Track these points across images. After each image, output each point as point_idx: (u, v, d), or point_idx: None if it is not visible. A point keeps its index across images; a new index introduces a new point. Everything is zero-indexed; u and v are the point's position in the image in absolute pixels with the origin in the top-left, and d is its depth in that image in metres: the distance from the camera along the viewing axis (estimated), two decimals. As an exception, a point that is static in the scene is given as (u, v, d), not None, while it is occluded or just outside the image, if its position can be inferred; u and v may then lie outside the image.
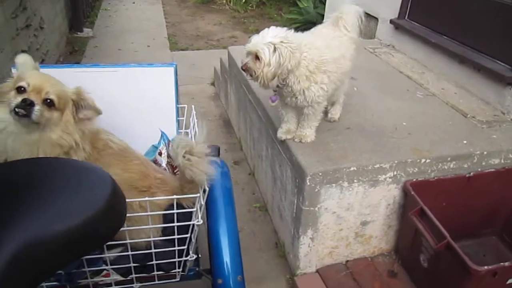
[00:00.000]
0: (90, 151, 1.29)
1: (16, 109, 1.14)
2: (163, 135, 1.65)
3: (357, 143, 2.18)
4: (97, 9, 7.05)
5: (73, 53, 5.27)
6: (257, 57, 1.75)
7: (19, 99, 1.15)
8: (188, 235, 1.30)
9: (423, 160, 2.11)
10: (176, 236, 1.30)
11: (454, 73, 2.93)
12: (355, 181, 2.06)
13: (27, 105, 1.15)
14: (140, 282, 1.39)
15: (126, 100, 1.62)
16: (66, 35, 5.63)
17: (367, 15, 4.08)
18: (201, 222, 1.27)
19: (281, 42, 1.72)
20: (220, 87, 4.21)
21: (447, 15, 3.04)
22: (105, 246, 1.24)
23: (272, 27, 1.81)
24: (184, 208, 1.32)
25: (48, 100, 1.20)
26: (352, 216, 2.17)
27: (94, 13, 6.84)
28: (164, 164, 1.59)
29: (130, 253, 1.28)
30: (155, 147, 1.66)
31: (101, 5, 7.31)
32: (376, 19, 3.92)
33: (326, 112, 2.34)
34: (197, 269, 1.53)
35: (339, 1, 4.68)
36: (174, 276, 1.42)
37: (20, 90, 1.19)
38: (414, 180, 2.13)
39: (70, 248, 0.79)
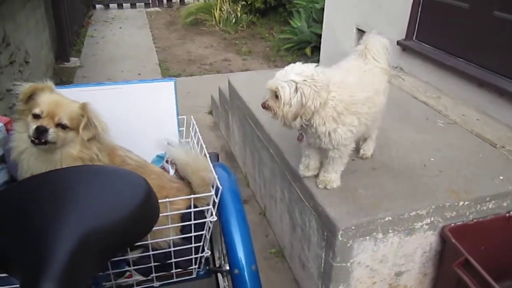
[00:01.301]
0: (108, 163, 1.39)
1: (33, 138, 1.27)
2: (169, 144, 1.71)
3: (387, 187, 1.98)
4: (83, 36, 6.83)
5: (61, 85, 5.02)
6: (277, 96, 1.62)
7: (33, 126, 1.27)
8: (204, 232, 1.43)
9: (461, 203, 1.92)
10: (193, 234, 1.42)
11: (473, 98, 2.77)
12: (390, 231, 1.86)
13: (41, 132, 1.27)
14: (160, 281, 1.50)
15: (131, 115, 1.73)
16: (53, 66, 5.40)
17: (370, 35, 3.93)
18: (215, 218, 1.39)
19: (305, 80, 1.58)
20: (220, 117, 4.00)
21: (461, 35, 2.88)
22: (128, 248, 1.33)
23: (298, 63, 1.67)
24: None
25: (61, 124, 1.30)
26: (386, 268, 1.96)
27: (80, 41, 6.62)
28: (172, 171, 1.67)
29: (151, 253, 1.38)
30: (160, 157, 1.76)
31: (87, 32, 7.10)
32: (380, 40, 3.76)
33: (357, 149, 2.17)
34: (208, 267, 1.63)
35: (336, 19, 4.54)
36: (190, 273, 1.55)
37: (35, 116, 1.29)
38: (452, 225, 1.94)
39: (119, 238, 0.89)
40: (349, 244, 1.80)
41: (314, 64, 1.70)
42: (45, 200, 0.90)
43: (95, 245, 0.83)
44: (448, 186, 1.99)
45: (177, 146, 1.54)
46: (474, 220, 1.97)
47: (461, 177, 2.05)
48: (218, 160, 1.82)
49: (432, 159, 2.20)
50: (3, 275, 1.04)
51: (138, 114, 1.75)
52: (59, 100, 1.35)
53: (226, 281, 1.84)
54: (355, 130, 1.75)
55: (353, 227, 1.77)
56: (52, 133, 1.28)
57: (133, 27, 7.55)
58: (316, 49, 5.55)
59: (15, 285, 1.13)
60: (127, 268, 1.41)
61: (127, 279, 1.45)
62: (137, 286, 1.47)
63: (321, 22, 5.09)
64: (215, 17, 7.30)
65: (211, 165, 1.49)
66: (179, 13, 8.29)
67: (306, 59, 5.76)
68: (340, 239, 1.77)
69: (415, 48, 3.23)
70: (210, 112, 4.38)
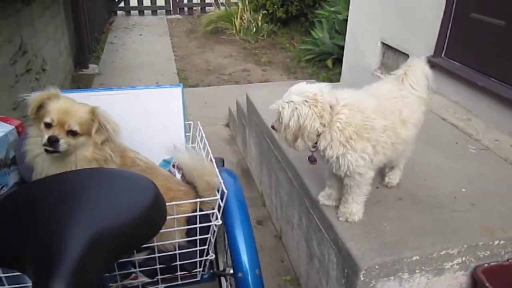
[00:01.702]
0: (120, 164, 1.43)
1: (45, 147, 1.30)
2: (176, 149, 1.76)
3: (414, 221, 1.82)
4: (103, 43, 6.81)
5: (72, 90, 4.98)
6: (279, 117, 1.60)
7: (46, 137, 1.30)
8: (209, 235, 1.44)
9: (496, 242, 1.75)
10: (198, 237, 1.43)
11: (506, 121, 2.58)
12: (417, 271, 1.70)
13: (53, 142, 1.30)
14: (165, 283, 1.51)
15: (138, 120, 1.75)
16: (71, 73, 5.36)
17: (395, 50, 3.78)
18: (220, 222, 1.41)
19: (305, 101, 1.52)
20: (237, 130, 3.88)
21: (494, 54, 2.71)
22: (134, 250, 1.33)
23: (302, 83, 1.62)
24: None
25: (72, 131, 1.33)
26: (411, 310, 1.80)
27: (100, 47, 6.59)
28: (178, 175, 1.68)
29: (157, 255, 1.39)
30: (166, 162, 1.78)
31: (107, 39, 7.08)
32: (406, 55, 3.59)
33: (382, 175, 2.03)
34: (211, 271, 1.64)
35: (360, 31, 4.40)
36: (195, 276, 1.56)
37: (46, 125, 1.32)
38: (486, 265, 1.77)
39: (127, 240, 0.91)
40: (371, 284, 1.65)
41: (325, 84, 1.62)
42: (57, 201, 0.93)
43: (105, 246, 0.85)
44: (482, 223, 1.82)
45: (184, 151, 1.55)
46: (510, 261, 1.80)
47: (497, 213, 1.88)
48: (223, 165, 1.86)
49: (463, 190, 2.03)
50: (16, 273, 1.10)
51: (145, 119, 1.78)
52: (68, 106, 1.37)
53: (229, 285, 1.83)
54: (369, 158, 1.61)
55: (376, 267, 1.62)
56: (63, 143, 1.31)
57: (153, 35, 7.51)
58: (338, 61, 5.40)
59: (27, 284, 1.19)
60: (133, 270, 1.43)
61: (132, 281, 1.46)
62: (142, 287, 1.49)
63: (344, 34, 4.95)
64: (235, 26, 7.21)
65: (216, 170, 1.50)
66: (200, 21, 8.23)
67: (327, 71, 5.62)
68: (362, 279, 1.62)
69: (444, 65, 3.06)
70: (227, 125, 4.27)
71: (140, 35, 7.47)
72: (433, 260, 1.69)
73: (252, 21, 7.15)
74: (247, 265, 1.46)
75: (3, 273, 1.15)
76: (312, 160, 1.76)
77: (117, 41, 7.01)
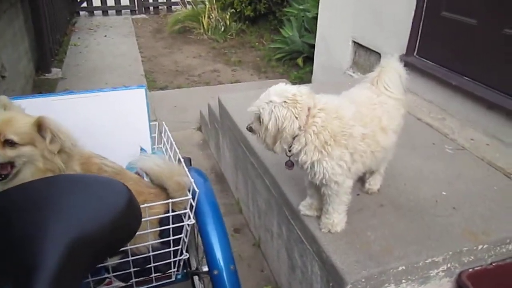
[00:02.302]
0: (80, 172, 1.37)
1: None
2: (142, 150, 1.79)
3: (398, 229, 1.78)
4: (65, 45, 6.55)
5: (30, 95, 4.75)
6: (260, 118, 1.53)
7: None
8: (182, 235, 1.45)
9: (479, 247, 1.73)
10: (171, 238, 1.43)
11: (481, 120, 2.59)
12: (403, 281, 1.66)
13: None
14: (139, 286, 1.50)
15: (102, 123, 1.75)
16: (33, 78, 5.12)
17: (367, 49, 3.75)
18: (193, 221, 1.43)
19: (284, 102, 1.47)
20: (209, 135, 3.78)
21: (467, 53, 2.70)
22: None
23: (281, 84, 1.56)
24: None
25: (9, 141, 1.25)
26: (397, 319, 1.76)
27: (63, 50, 6.33)
28: (145, 177, 1.65)
29: (130, 258, 1.38)
30: (133, 164, 1.74)
31: (70, 41, 6.81)
32: (378, 54, 3.58)
33: (362, 181, 1.97)
34: (185, 270, 1.65)
35: (330, 29, 4.36)
36: (169, 277, 1.57)
37: None
38: (470, 270, 1.75)
39: (104, 245, 0.88)
40: (358, 298, 1.60)
41: (304, 85, 1.55)
42: (27, 211, 0.89)
43: (82, 253, 0.83)
44: (465, 227, 1.80)
45: (144, 158, 1.56)
46: (493, 264, 1.79)
47: (478, 216, 1.86)
48: (191, 165, 1.85)
49: (444, 193, 2.01)
50: None
51: (110, 121, 1.77)
52: (8, 117, 1.30)
53: (202, 283, 1.85)
54: (347, 166, 1.56)
55: (363, 280, 1.57)
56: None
57: (118, 35, 7.28)
58: (309, 60, 5.36)
59: None
60: (106, 275, 1.41)
61: (106, 286, 1.45)
62: None
63: (314, 32, 4.91)
64: (203, 25, 7.07)
65: (186, 170, 1.51)
66: (166, 20, 8.03)
67: (298, 69, 5.58)
68: (348, 293, 1.57)
69: (416, 64, 3.05)
70: (199, 129, 4.16)
71: (105, 36, 7.22)
72: (419, 269, 1.65)
73: (220, 20, 7.03)
74: (221, 262, 1.47)
75: None
76: (289, 165, 1.68)
77: (81, 43, 6.75)
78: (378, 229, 1.78)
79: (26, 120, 1.31)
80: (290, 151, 1.57)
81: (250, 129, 1.60)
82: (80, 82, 5.18)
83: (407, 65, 3.08)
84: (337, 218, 1.73)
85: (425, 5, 3.01)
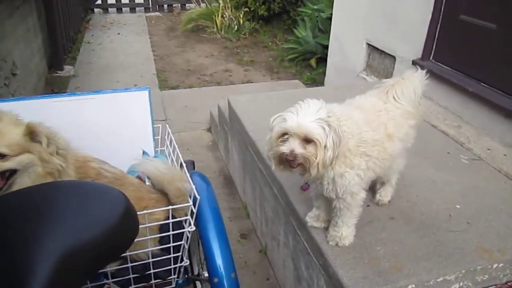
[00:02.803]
0: (78, 177, 1.34)
1: None
2: (144, 153, 1.75)
3: (408, 244, 1.71)
4: (79, 43, 6.56)
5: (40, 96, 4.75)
6: (307, 140, 1.33)
7: None
8: (183, 242, 1.43)
9: (494, 265, 1.65)
10: (171, 244, 1.41)
11: (498, 129, 2.49)
12: (412, 299, 1.58)
13: None
14: None
15: (105, 125, 1.72)
16: (45, 76, 5.13)
17: (381, 52, 3.67)
18: (193, 228, 1.40)
19: (329, 117, 1.35)
20: (219, 136, 3.73)
21: (485, 59, 2.61)
22: None
23: (308, 99, 1.39)
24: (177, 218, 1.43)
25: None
26: (406, 339, 1.69)
27: (76, 47, 6.34)
28: (147, 181, 1.63)
29: (130, 264, 1.37)
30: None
31: (83, 38, 6.81)
32: (393, 57, 3.49)
33: (373, 192, 1.92)
34: (186, 276, 1.62)
35: (344, 31, 4.28)
36: (170, 283, 1.54)
37: None
38: (484, 289, 1.67)
39: (100, 254, 0.88)
40: (364, 316, 1.53)
41: (317, 100, 1.41)
42: (20, 220, 0.88)
43: (75, 264, 0.82)
44: (479, 244, 1.72)
45: (147, 162, 1.52)
46: (509, 284, 1.71)
47: (494, 232, 1.78)
48: (194, 168, 1.83)
49: (458, 206, 1.93)
50: None
51: (112, 124, 1.74)
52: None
53: None
54: (363, 175, 1.49)
55: (370, 298, 1.50)
56: None
57: (131, 33, 7.27)
58: (322, 61, 5.28)
59: None
60: (105, 281, 1.39)
61: None
62: None
63: (328, 33, 4.82)
64: (216, 24, 7.02)
65: (187, 175, 1.47)
66: (180, 18, 8.00)
67: (311, 70, 5.50)
68: (355, 311, 1.50)
69: (432, 69, 2.95)
70: (209, 130, 4.11)
71: (118, 33, 7.22)
72: (429, 287, 1.58)
73: (234, 19, 6.97)
74: (222, 270, 1.44)
75: None
76: (305, 189, 1.64)
77: (94, 41, 6.76)
78: (388, 244, 1.71)
79: (16, 131, 1.28)
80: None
81: (294, 158, 1.33)
82: (92, 80, 5.18)
83: (422, 69, 3.02)
84: (346, 231, 1.67)
85: (443, 8, 2.92)
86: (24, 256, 0.79)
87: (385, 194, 1.91)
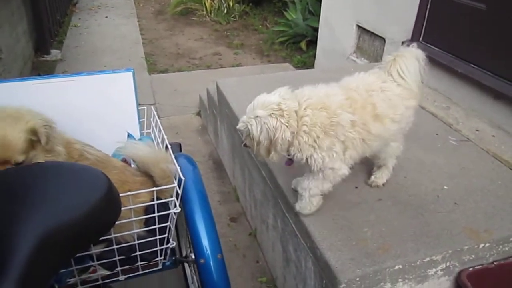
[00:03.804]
0: (65, 156, 1.34)
1: None
2: (129, 136, 1.75)
3: (396, 225, 1.71)
4: (66, 26, 6.43)
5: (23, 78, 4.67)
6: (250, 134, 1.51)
7: None
8: (168, 223, 1.43)
9: (481, 245, 1.66)
10: (157, 226, 1.41)
11: (487, 110, 2.49)
12: (399, 280, 1.59)
13: None
14: (125, 274, 1.48)
15: (88, 107, 1.69)
16: (32, 60, 5.04)
17: (371, 34, 3.64)
18: (179, 210, 1.40)
19: (271, 114, 1.44)
20: (208, 120, 3.70)
21: (475, 40, 2.59)
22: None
23: (263, 95, 1.51)
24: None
25: (19, 164, 1.23)
26: (393, 318, 1.70)
27: (63, 31, 6.22)
28: (133, 164, 1.62)
29: (115, 246, 1.36)
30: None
31: (70, 21, 6.69)
32: (383, 39, 3.46)
33: (369, 174, 1.93)
34: (173, 258, 1.62)
35: (334, 13, 4.23)
36: (156, 265, 1.54)
37: None
38: (471, 269, 1.68)
39: (80, 235, 0.88)
40: (352, 297, 1.53)
41: (285, 88, 1.52)
42: (3, 200, 0.88)
43: (56, 245, 0.82)
44: (466, 224, 1.72)
45: (130, 144, 1.51)
46: (495, 263, 1.72)
47: (481, 212, 1.78)
48: (180, 151, 1.82)
49: (445, 187, 1.93)
50: None
51: (96, 106, 1.71)
52: (4, 139, 1.22)
53: (193, 271, 1.82)
54: (335, 155, 1.52)
55: (357, 279, 1.50)
56: None
57: (119, 16, 7.15)
58: (312, 44, 5.24)
59: None
60: (91, 263, 1.39)
61: (91, 274, 1.43)
62: (102, 280, 1.45)
63: (318, 15, 4.78)
64: (206, 6, 6.92)
65: (172, 156, 1.47)
66: (169, 1, 7.87)
67: (301, 53, 5.46)
68: (342, 292, 1.51)
69: (422, 50, 2.92)
70: (198, 113, 4.08)
71: (106, 17, 7.10)
72: (416, 268, 1.59)
73: (223, 2, 6.88)
74: (208, 251, 1.44)
75: None
76: (288, 163, 1.68)
77: (82, 24, 6.64)
78: (375, 225, 1.70)
79: (21, 134, 1.25)
80: (288, 154, 1.56)
81: (245, 145, 1.57)
82: (79, 64, 5.10)
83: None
84: (305, 200, 1.69)
85: (432, -11, 2.89)
86: (4, 236, 0.79)
87: (379, 176, 1.90)
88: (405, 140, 2.21)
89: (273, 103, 1.45)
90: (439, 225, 1.71)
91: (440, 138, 2.34)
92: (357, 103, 1.53)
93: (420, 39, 3.02)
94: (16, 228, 0.80)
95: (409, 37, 3.08)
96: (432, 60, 2.81)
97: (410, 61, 1.62)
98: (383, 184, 1.91)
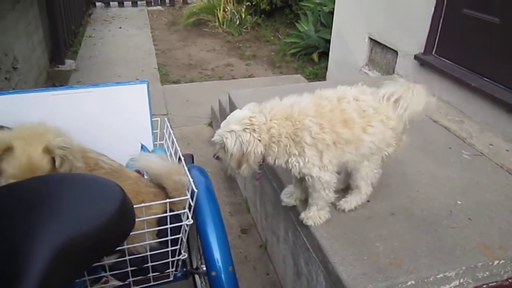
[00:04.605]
0: (85, 167, 1.34)
1: None
2: (143, 147, 1.77)
3: (408, 240, 1.70)
4: (80, 37, 6.53)
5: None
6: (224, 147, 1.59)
7: None
8: (180, 235, 1.44)
9: (495, 262, 1.63)
10: (169, 237, 1.41)
11: (500, 124, 2.47)
12: (412, 296, 1.57)
13: None
14: (137, 285, 1.49)
15: (104, 118, 1.71)
16: (47, 70, 5.11)
17: (384, 46, 3.64)
18: (191, 221, 1.41)
19: (245, 128, 1.52)
20: (220, 131, 3.71)
21: (488, 53, 2.58)
22: None
23: (237, 111, 1.62)
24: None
25: None
26: (405, 335, 1.68)
27: (78, 41, 6.32)
28: (146, 175, 1.62)
29: (128, 257, 1.37)
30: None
31: (85, 32, 6.79)
32: (395, 51, 3.46)
33: (380, 188, 1.93)
34: (184, 269, 1.63)
35: (346, 25, 4.25)
36: (167, 276, 1.55)
37: None
38: (485, 286, 1.66)
39: (96, 247, 0.89)
40: (364, 313, 1.52)
41: (253, 104, 1.62)
42: (16, 213, 0.88)
43: (71, 256, 0.83)
44: (480, 240, 1.70)
45: (142, 157, 1.53)
46: (510, 280, 1.70)
47: (495, 228, 1.76)
48: (193, 162, 1.83)
49: (459, 202, 1.91)
50: None
51: (111, 117, 1.74)
52: (28, 161, 1.23)
53: (203, 282, 1.82)
54: (306, 159, 1.57)
55: (369, 294, 1.49)
56: None
57: (133, 27, 7.24)
58: (324, 55, 5.25)
59: None
60: (103, 274, 1.40)
61: (103, 285, 1.44)
62: None
63: (330, 27, 4.79)
64: (218, 18, 6.99)
65: (185, 168, 1.47)
66: (182, 12, 7.97)
67: (313, 65, 5.47)
68: (354, 307, 1.49)
69: (434, 63, 2.93)
70: (210, 124, 4.10)
71: (120, 27, 7.20)
72: (429, 284, 1.57)
73: (236, 13, 6.93)
74: (220, 263, 1.44)
75: None
76: (257, 178, 1.81)
77: (96, 35, 6.73)
78: (388, 240, 1.69)
79: (41, 157, 1.26)
80: (260, 166, 1.65)
81: (217, 158, 1.63)
82: (93, 75, 5.16)
83: (424, 64, 3.02)
84: (313, 211, 1.75)
85: (445, 2, 2.89)
86: (21, 246, 0.79)
87: (349, 200, 1.84)
88: (417, 154, 2.21)
89: (245, 117, 1.53)
90: (452, 241, 1.70)
91: (453, 152, 2.32)
92: (324, 108, 1.58)
93: (433, 52, 3.01)
94: (32, 239, 0.81)
95: (422, 50, 3.07)
96: (444, 73, 2.83)
97: (419, 98, 1.62)
98: (348, 210, 1.84)
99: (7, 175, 1.22)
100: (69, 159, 1.29)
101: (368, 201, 1.90)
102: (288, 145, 1.56)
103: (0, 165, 1.22)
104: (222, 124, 1.60)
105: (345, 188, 1.88)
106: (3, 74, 3.58)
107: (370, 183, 1.79)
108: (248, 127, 1.51)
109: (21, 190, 0.98)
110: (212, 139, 1.61)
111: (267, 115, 1.56)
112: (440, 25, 2.94)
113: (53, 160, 1.27)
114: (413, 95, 1.61)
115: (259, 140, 1.52)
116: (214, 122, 3.95)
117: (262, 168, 1.71)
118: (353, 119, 1.58)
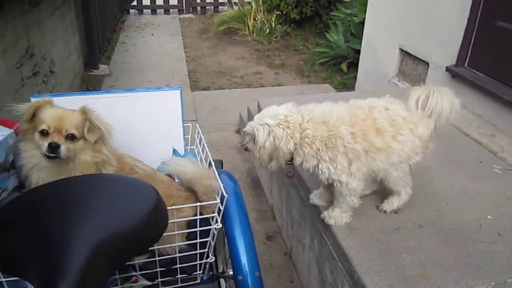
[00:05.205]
0: (118, 169, 1.43)
1: (47, 154, 1.31)
2: (174, 151, 1.81)
3: (436, 253, 1.68)
4: (114, 43, 6.72)
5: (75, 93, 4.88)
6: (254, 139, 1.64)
7: (45, 144, 1.31)
8: (209, 238, 1.46)
9: (526, 279, 1.60)
10: (198, 240, 1.44)
11: (534, 139, 2.42)
12: (439, 310, 1.56)
13: (54, 148, 1.30)
14: (165, 286, 1.52)
15: (137, 123, 1.76)
16: (81, 74, 5.28)
17: (414, 58, 3.61)
18: (220, 226, 1.43)
19: (279, 124, 1.57)
20: (247, 138, 3.75)
21: (522, 67, 2.54)
22: None
23: (273, 106, 1.65)
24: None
25: (70, 135, 1.35)
26: None
27: (111, 47, 6.50)
28: (177, 179, 1.65)
29: (157, 258, 1.41)
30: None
31: (118, 38, 6.98)
32: (426, 63, 3.43)
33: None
34: (211, 273, 1.64)
35: (377, 36, 4.24)
36: (195, 278, 1.57)
37: (43, 133, 1.33)
38: (514, 303, 1.63)
39: (130, 246, 0.92)
40: (389, 324, 1.52)
41: (292, 103, 1.65)
42: (59, 209, 0.92)
43: (108, 253, 0.85)
44: (510, 256, 1.68)
45: (173, 161, 1.57)
46: (540, 298, 1.65)
47: (526, 244, 1.73)
48: (222, 168, 1.85)
49: (489, 217, 1.89)
50: (14, 278, 1.13)
51: (144, 122, 1.78)
52: (62, 113, 1.38)
53: (229, 286, 1.85)
54: (341, 166, 1.60)
55: (395, 306, 1.49)
56: (64, 149, 1.32)
57: (165, 34, 7.41)
58: (353, 66, 5.25)
59: None
60: (133, 273, 1.43)
61: (133, 284, 1.47)
62: None
63: (360, 37, 4.79)
64: (248, 26, 7.07)
65: (216, 173, 1.50)
66: (212, 20, 8.10)
67: (341, 75, 5.47)
68: (379, 318, 1.49)
69: (466, 76, 2.90)
70: (238, 131, 4.14)
71: (152, 34, 7.37)
72: (457, 298, 1.55)
73: (266, 22, 7.00)
74: (247, 268, 1.45)
75: (3, 277, 1.16)
76: (289, 176, 1.83)
77: (129, 41, 6.91)
78: (415, 252, 1.69)
79: (76, 114, 1.38)
80: (290, 163, 1.68)
81: (246, 149, 1.70)
82: (125, 80, 5.30)
83: (456, 76, 2.99)
84: (337, 212, 1.81)
85: (479, 14, 2.86)
86: (60, 243, 0.83)
87: (388, 202, 1.89)
88: (447, 167, 2.19)
89: (281, 114, 1.57)
90: (481, 256, 1.67)
91: (484, 166, 2.29)
92: (357, 117, 1.62)
93: (465, 64, 2.98)
94: (72, 235, 0.84)
95: (454, 62, 3.04)
96: (476, 86, 2.80)
97: (446, 97, 1.66)
98: (391, 212, 1.90)
99: (39, 122, 1.34)
100: (99, 129, 1.39)
101: (396, 212, 1.90)
102: (320, 149, 1.59)
103: (37, 116, 1.35)
104: (256, 117, 1.63)
105: (368, 194, 1.93)
106: (41, 77, 3.72)
107: (406, 186, 1.83)
108: (282, 123, 1.55)
109: (63, 187, 1.02)
110: (244, 129, 1.65)
111: (304, 116, 1.59)
112: (473, 37, 2.91)
113: (83, 123, 1.37)
114: (440, 93, 1.66)
115: (291, 137, 1.55)
116: (242, 129, 3.99)
117: (292, 167, 1.74)
118: (385, 128, 1.62)
